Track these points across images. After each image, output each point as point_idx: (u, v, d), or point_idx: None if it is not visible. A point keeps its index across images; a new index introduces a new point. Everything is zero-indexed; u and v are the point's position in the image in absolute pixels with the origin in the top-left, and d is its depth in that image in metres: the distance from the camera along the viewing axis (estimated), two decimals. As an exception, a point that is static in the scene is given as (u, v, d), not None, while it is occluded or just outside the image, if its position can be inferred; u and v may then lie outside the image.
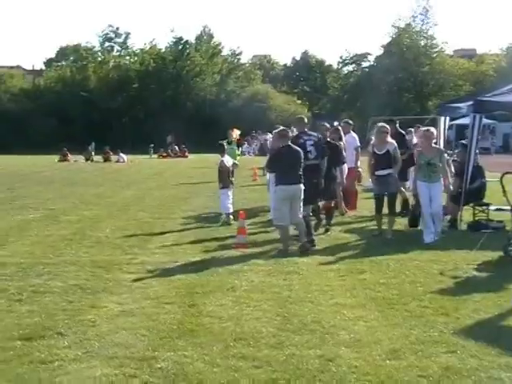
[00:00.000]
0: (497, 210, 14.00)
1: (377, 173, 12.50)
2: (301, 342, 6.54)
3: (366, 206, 16.26)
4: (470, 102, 13.98)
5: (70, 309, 7.81)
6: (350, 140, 15.81)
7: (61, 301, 8.16)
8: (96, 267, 10.08)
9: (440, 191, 12.18)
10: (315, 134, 12.35)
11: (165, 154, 50.04)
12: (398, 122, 15.52)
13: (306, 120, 12.57)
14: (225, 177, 14.78)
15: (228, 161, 15.03)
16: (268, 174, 13.84)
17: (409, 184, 15.05)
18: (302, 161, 11.26)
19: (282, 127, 12.57)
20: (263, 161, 33.52)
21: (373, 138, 13.44)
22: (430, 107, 62.66)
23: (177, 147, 51.84)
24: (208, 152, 46.56)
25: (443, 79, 67.84)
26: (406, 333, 6.80)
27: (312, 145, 11.84)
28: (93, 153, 47.30)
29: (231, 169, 15.05)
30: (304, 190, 11.21)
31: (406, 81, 68.13)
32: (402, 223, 13.69)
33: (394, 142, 12.64)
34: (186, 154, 50.21)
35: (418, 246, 11.50)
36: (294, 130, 13.43)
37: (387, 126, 12.66)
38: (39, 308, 7.85)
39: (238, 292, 8.54)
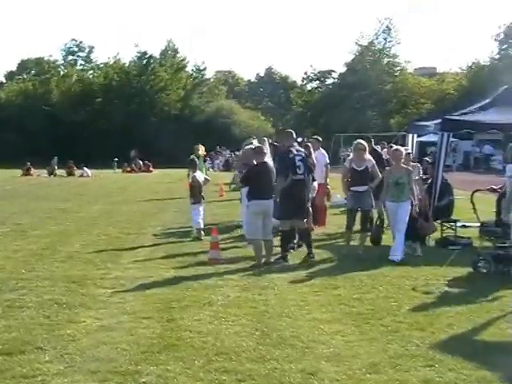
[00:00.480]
0: (462, 226, 14.29)
1: (353, 188, 12.53)
2: (281, 356, 6.64)
3: (334, 222, 16.47)
4: (438, 121, 14.28)
5: (47, 324, 7.80)
6: (319, 157, 15.95)
7: (38, 315, 8.16)
8: (70, 282, 10.07)
9: (407, 210, 12.07)
10: (303, 150, 12.55)
11: (129, 169, 49.83)
12: (372, 140, 15.70)
13: (294, 135, 12.68)
14: (196, 192, 14.85)
15: (200, 176, 15.12)
16: (241, 190, 13.93)
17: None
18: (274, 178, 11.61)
19: (256, 143, 12.65)
20: (229, 176, 33.86)
21: (348, 153, 13.58)
22: (392, 124, 63.41)
23: (141, 162, 51.66)
24: (172, 167, 46.74)
25: (405, 97, 68.81)
26: (383, 347, 6.94)
27: (300, 160, 12.00)
28: (56, 167, 46.88)
29: (203, 184, 15.10)
30: (291, 204, 11.44)
31: (369, 98, 68.86)
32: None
33: (372, 158, 12.76)
34: (151, 168, 50.06)
35: (388, 262, 11.65)
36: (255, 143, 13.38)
37: (364, 143, 12.72)
38: (16, 323, 7.83)
39: (214, 307, 8.62)
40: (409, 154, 13.27)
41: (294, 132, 12.68)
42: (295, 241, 13.06)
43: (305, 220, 12.18)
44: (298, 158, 11.99)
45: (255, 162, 11.85)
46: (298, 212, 11.95)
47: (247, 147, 13.06)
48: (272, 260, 11.72)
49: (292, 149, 12.12)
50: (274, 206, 11.73)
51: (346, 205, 14.46)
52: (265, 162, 11.61)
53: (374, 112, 68.34)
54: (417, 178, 13.06)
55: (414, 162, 13.64)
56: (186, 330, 7.55)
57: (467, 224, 14.11)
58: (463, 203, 14.93)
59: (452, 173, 39.77)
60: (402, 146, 16.23)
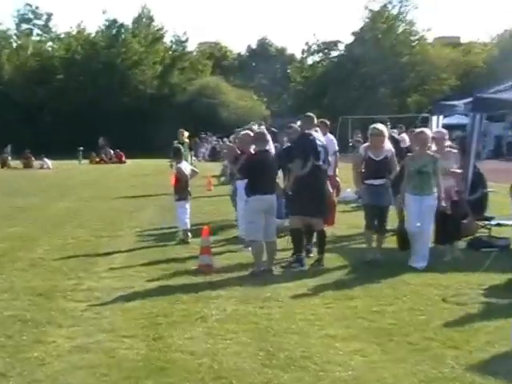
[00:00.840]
0: (498, 224, 14.26)
1: (369, 181, 12.44)
2: (291, 381, 6.66)
3: (344, 220, 16.49)
4: (469, 99, 14.28)
5: (10, 345, 7.79)
6: (328, 143, 15.94)
7: (-2, 335, 8.16)
8: (35, 295, 10.08)
9: (433, 206, 12.01)
10: (323, 137, 12.61)
11: (98, 159, 49.88)
12: (389, 124, 15.69)
13: (315, 120, 12.71)
14: (182, 187, 14.81)
15: (186, 167, 15.07)
16: (236, 183, 13.92)
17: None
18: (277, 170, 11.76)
19: (254, 128, 12.64)
20: (217, 167, 33.87)
21: (359, 139, 13.53)
22: (409, 104, 63.58)
23: (111, 151, 51.66)
24: (149, 157, 46.76)
25: (425, 72, 68.90)
26: (412, 369, 6.95)
27: (321, 146, 12.07)
28: (9, 157, 46.82)
29: (189, 177, 15.05)
30: (309, 197, 11.58)
31: (382, 73, 68.90)
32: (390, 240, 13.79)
33: (391, 147, 12.74)
34: (123, 158, 50.08)
35: (410, 268, 11.68)
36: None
37: (383, 128, 12.62)
38: (-27, 345, 7.82)
39: (209, 322, 8.63)
40: (443, 138, 13.02)
41: (315, 117, 12.72)
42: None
43: (322, 219, 12.20)
44: (319, 142, 12.04)
45: (253, 151, 11.87)
46: (317, 208, 11.96)
47: (244, 132, 13.06)
48: (284, 265, 11.82)
49: (312, 132, 12.17)
50: (280, 202, 11.77)
51: (358, 200, 14.46)
52: (267, 151, 11.63)
53: (388, 89, 68.47)
54: (454, 168, 12.83)
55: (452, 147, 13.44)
56: (177, 350, 7.56)
57: (504, 222, 14.12)
58: (497, 197, 14.98)
59: (482, 161, 40.02)
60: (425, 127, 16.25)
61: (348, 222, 16.39)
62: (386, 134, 12.70)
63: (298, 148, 12.14)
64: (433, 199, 11.95)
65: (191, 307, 9.32)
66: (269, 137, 12.00)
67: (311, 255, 12.68)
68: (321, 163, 11.97)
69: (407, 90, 68.12)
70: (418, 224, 11.91)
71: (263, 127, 15.15)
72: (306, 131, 12.27)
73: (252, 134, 12.61)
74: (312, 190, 11.78)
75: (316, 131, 13.19)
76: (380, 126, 12.68)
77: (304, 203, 11.78)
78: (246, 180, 11.86)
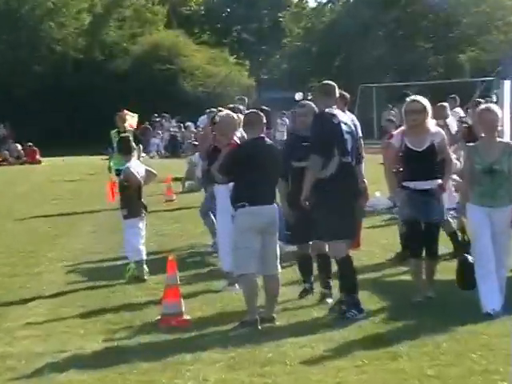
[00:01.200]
0: None
1: (409, 184, 12.34)
2: None
3: (374, 239, 16.50)
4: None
5: None
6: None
7: None
8: None
9: (509, 222, 11.79)
10: (350, 116, 12.57)
11: (-1, 159, 49.96)
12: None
13: (337, 92, 12.51)
14: (133, 197, 14.80)
15: (137, 168, 14.94)
16: (215, 189, 13.90)
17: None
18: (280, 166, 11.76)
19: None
20: (179, 166, 33.77)
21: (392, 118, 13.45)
22: (462, 63, 63.82)
23: (19, 145, 51.58)
24: (77, 153, 46.75)
25: (484, 14, 68.92)
26: None
27: (348, 133, 11.97)
28: None
29: (143, 182, 14.94)
30: (343, 210, 11.56)
31: (419, 19, 69.11)
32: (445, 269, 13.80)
33: (440, 129, 12.67)
34: (37, 157, 50.01)
35: (480, 311, 11.61)
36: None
37: (425, 102, 12.48)
38: None
39: (184, 401, 8.63)
40: None
41: (335, 86, 12.47)
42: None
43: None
44: (344, 127, 11.97)
45: (237, 141, 11.90)
46: (346, 227, 11.81)
47: (224, 113, 13.08)
48: (336, 315, 11.74)
49: (334, 111, 12.07)
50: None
51: (393, 210, 14.46)
52: (262, 138, 11.63)
53: (429, 44, 68.62)
54: None
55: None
56: None
57: None
58: None
59: None
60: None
61: (380, 241, 16.41)
62: (430, 110, 12.55)
63: (313, 137, 11.97)
64: (510, 212, 11.79)
65: (156, 378, 9.30)
66: (264, 119, 11.96)
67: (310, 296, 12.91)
68: (349, 159, 11.87)
69: (457, 42, 68.22)
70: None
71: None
72: (327, 110, 12.10)
73: (236, 117, 12.58)
74: (338, 203, 11.61)
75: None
76: (421, 98, 12.56)
77: (345, 220, 11.66)
78: (230, 184, 11.84)
